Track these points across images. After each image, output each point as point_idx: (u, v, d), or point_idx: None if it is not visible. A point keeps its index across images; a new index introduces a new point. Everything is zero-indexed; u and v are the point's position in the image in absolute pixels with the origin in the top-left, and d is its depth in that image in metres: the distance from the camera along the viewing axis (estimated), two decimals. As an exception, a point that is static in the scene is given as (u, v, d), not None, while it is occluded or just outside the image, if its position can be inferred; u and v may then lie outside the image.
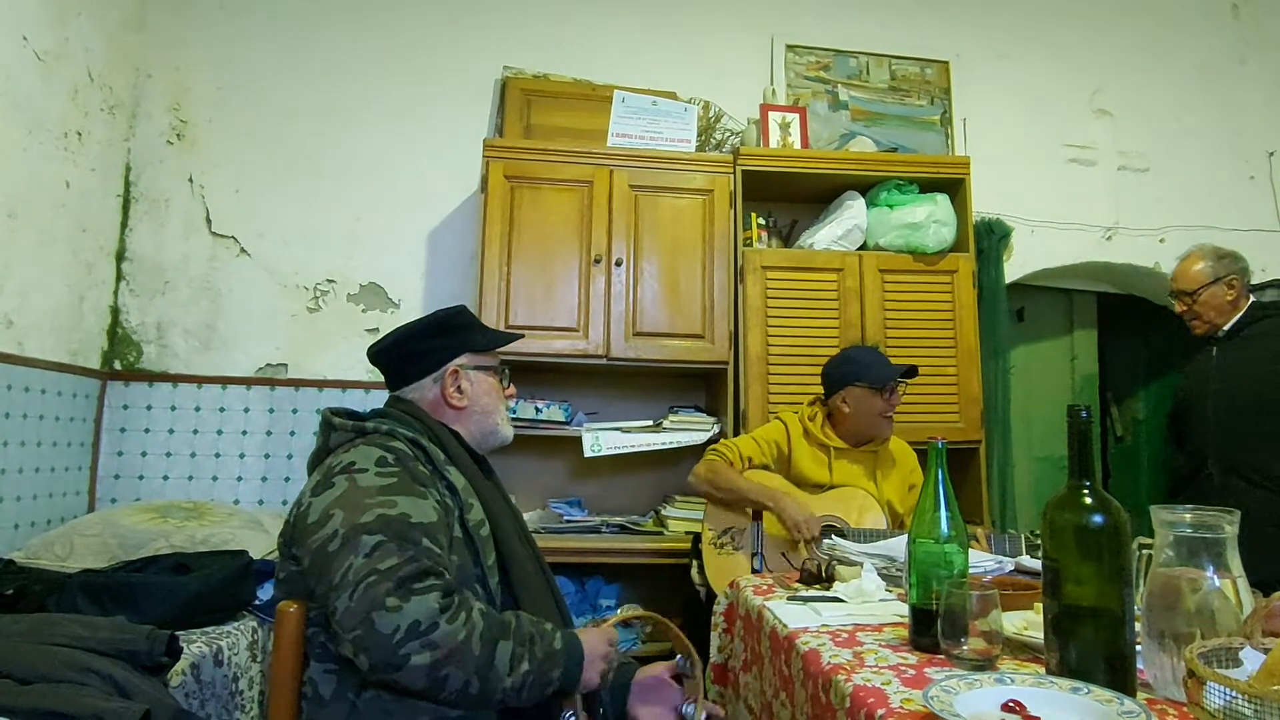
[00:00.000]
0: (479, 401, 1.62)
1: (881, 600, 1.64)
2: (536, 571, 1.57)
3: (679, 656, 1.55)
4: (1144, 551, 1.29)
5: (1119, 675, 1.05)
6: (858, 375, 2.53)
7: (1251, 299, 2.72)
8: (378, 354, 1.64)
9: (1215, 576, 1.07)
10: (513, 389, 1.73)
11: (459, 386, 1.60)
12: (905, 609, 1.40)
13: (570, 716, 1.38)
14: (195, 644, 1.91)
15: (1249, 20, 4.20)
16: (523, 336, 1.86)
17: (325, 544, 1.29)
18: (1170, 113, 4.06)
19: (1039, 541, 2.04)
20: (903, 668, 1.22)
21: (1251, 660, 0.96)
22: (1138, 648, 1.09)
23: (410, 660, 1.20)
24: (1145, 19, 4.12)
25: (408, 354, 1.61)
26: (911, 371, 2.55)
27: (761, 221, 3.36)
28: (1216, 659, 0.96)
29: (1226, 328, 2.71)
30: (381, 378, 1.68)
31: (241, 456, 3.30)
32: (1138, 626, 1.10)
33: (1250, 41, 4.19)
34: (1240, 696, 0.83)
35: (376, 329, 3.40)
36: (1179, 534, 1.10)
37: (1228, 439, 2.63)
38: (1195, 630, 1.03)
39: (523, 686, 1.29)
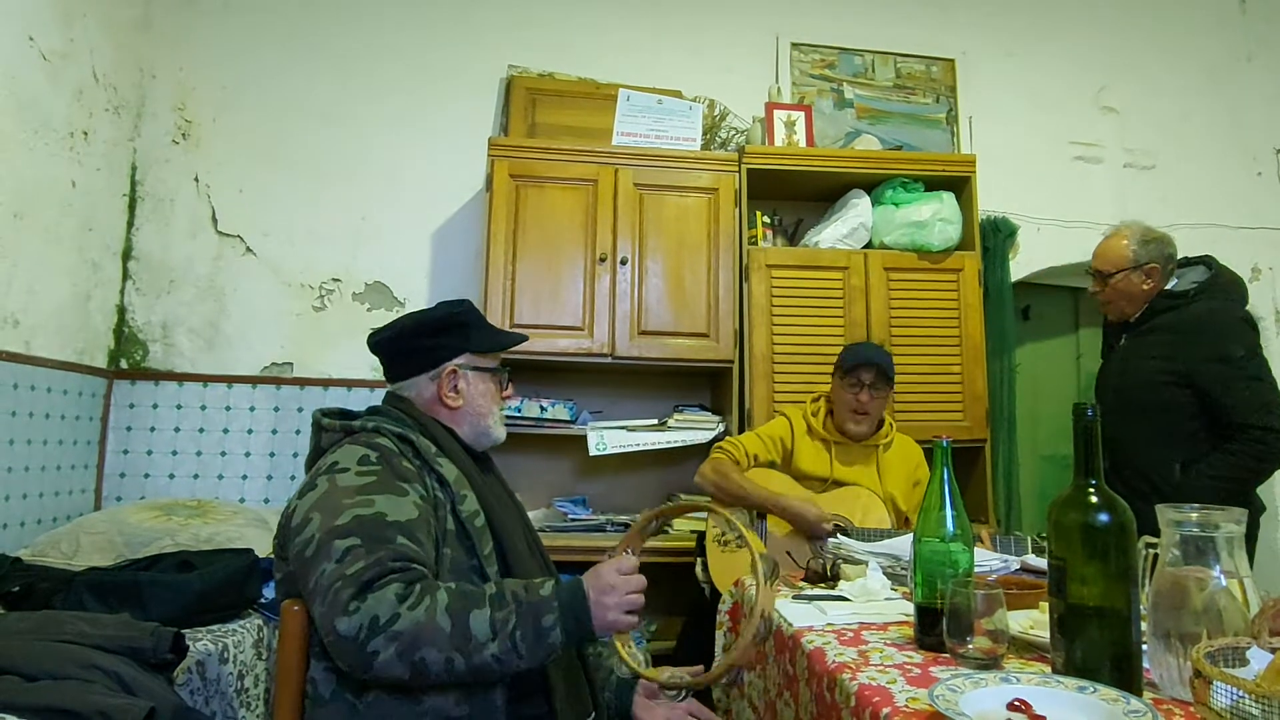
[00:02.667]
0: (474, 403, 1.61)
1: (886, 599, 1.64)
2: (537, 564, 1.56)
3: (756, 557, 1.32)
4: (1150, 550, 1.29)
5: (1125, 674, 1.04)
6: (836, 364, 2.61)
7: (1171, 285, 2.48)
8: (378, 344, 1.63)
9: (1222, 576, 1.06)
10: (510, 390, 1.70)
11: (455, 387, 1.60)
12: (910, 608, 1.40)
13: (642, 643, 1.31)
14: (201, 641, 1.92)
15: (1256, 17, 4.18)
16: (526, 339, 1.83)
17: (304, 549, 1.31)
18: (1177, 110, 4.04)
19: (1045, 544, 2.03)
20: (908, 666, 1.21)
21: (1258, 660, 0.95)
22: (1144, 647, 1.08)
23: (378, 656, 1.21)
24: (1152, 16, 4.10)
25: (408, 349, 1.61)
26: (868, 363, 2.48)
27: (767, 220, 3.36)
28: (1223, 658, 0.96)
29: (1135, 317, 2.50)
30: (382, 369, 1.67)
31: (247, 455, 3.31)
32: (1144, 625, 1.09)
33: (1258, 38, 4.17)
34: (1247, 696, 0.83)
35: (381, 328, 3.39)
36: (1185, 533, 1.09)
37: (1114, 433, 2.47)
38: (1202, 630, 1.02)
39: (515, 645, 1.26)
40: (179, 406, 3.29)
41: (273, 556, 2.39)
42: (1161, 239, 2.50)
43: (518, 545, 1.50)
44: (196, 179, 3.42)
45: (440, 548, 1.38)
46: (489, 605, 1.27)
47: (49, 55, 2.81)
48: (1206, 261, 2.55)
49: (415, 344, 1.60)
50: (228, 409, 3.32)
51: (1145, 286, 2.46)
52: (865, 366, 2.49)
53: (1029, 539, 2.15)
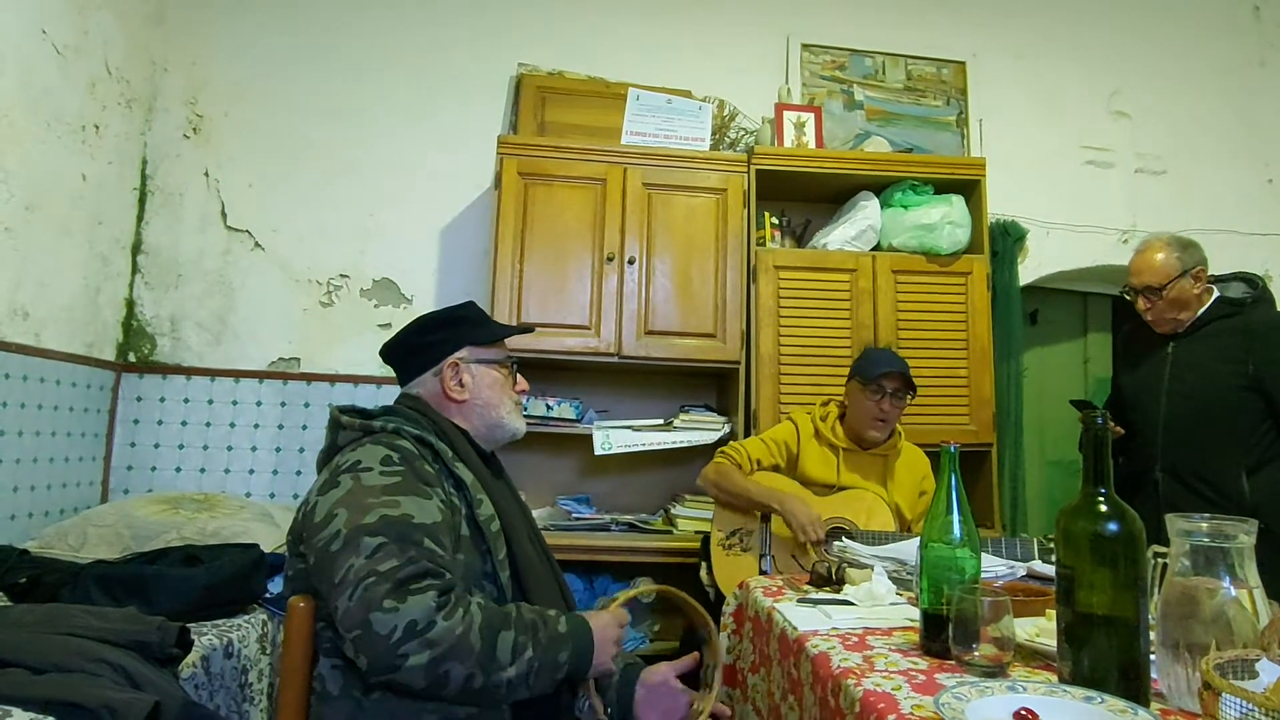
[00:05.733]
0: (480, 395, 1.61)
1: (892, 604, 1.63)
2: (546, 569, 1.57)
3: (696, 629, 1.55)
4: (1159, 560, 1.28)
5: (1133, 685, 1.04)
6: (855, 370, 2.57)
7: (1216, 293, 2.50)
8: (387, 350, 1.66)
9: (1231, 586, 1.06)
10: (524, 384, 1.71)
11: (460, 380, 1.60)
12: (916, 613, 1.39)
13: (585, 701, 1.37)
14: (206, 636, 1.92)
15: (1270, 22, 4.16)
16: (530, 330, 1.84)
17: (329, 544, 1.30)
18: (1189, 115, 4.03)
19: (1051, 546, 2.02)
20: (913, 673, 1.21)
21: (1268, 672, 0.95)
22: (1152, 657, 1.08)
23: (409, 660, 1.20)
24: (1164, 20, 4.09)
25: (411, 348, 1.62)
26: (895, 371, 2.46)
27: (775, 221, 3.35)
28: (1232, 670, 0.95)
29: (1188, 323, 2.48)
30: (394, 373, 1.68)
31: (253, 449, 3.32)
32: (1152, 635, 1.09)
33: (1271, 43, 4.15)
34: (1256, 709, 0.82)
35: (389, 324, 3.41)
36: (1195, 543, 1.08)
37: (1174, 440, 2.46)
38: (1211, 640, 1.02)
39: (529, 674, 1.28)
40: (186, 400, 3.30)
41: (279, 551, 2.41)
42: (1194, 242, 2.52)
43: (527, 550, 1.51)
44: (206, 174, 3.43)
45: (454, 554, 1.38)
46: (514, 629, 1.29)
47: (62, 48, 2.82)
48: (1245, 278, 2.56)
49: (417, 342, 1.62)
50: (234, 403, 3.33)
51: (1197, 290, 2.46)
52: (889, 376, 2.46)
53: (1035, 541, 2.14)
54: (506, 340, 1.71)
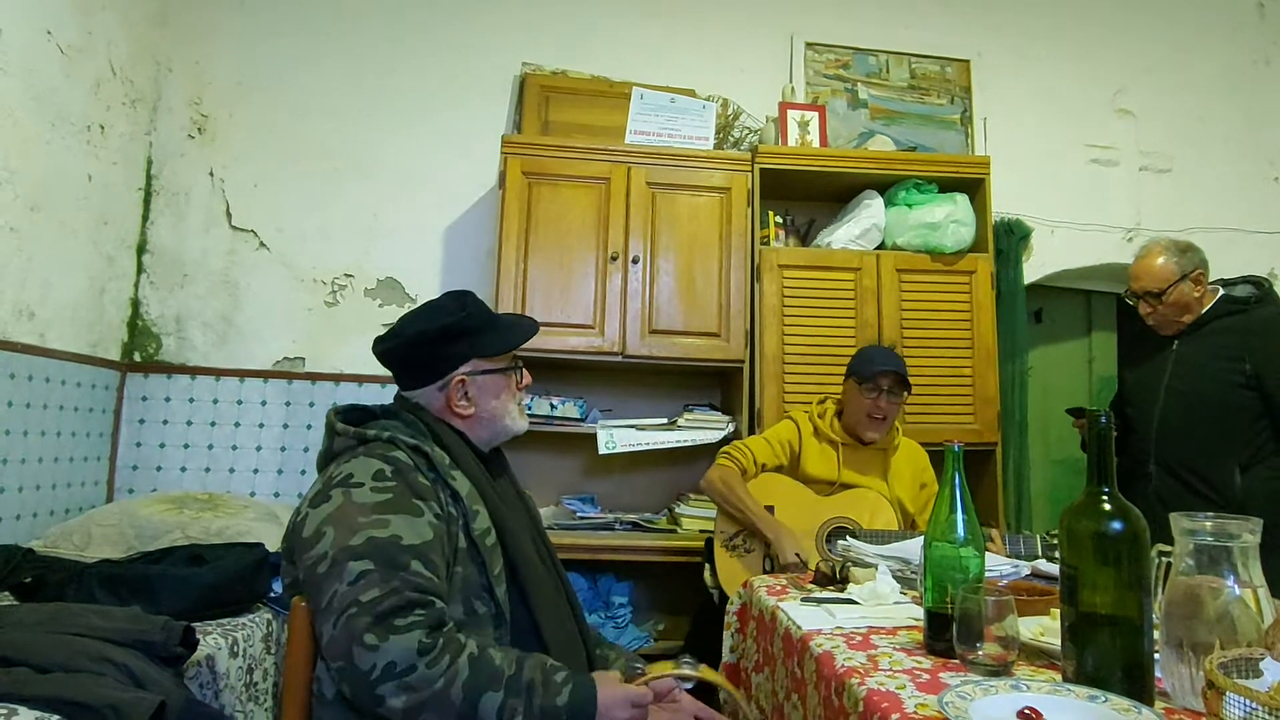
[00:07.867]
0: (486, 407, 1.57)
1: (896, 603, 1.63)
2: (549, 574, 1.54)
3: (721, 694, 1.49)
4: (1163, 559, 1.28)
5: (1137, 684, 1.04)
6: (851, 369, 2.57)
7: (1220, 292, 2.52)
8: (384, 355, 1.60)
9: (1236, 585, 1.05)
10: (528, 378, 1.66)
11: (465, 395, 1.55)
12: (920, 612, 1.39)
13: None
14: (210, 635, 1.93)
15: (1274, 20, 4.15)
16: (536, 328, 1.73)
17: (315, 564, 1.29)
18: (1193, 113, 4.02)
19: (1055, 542, 2.02)
20: (917, 672, 1.21)
21: (1272, 671, 0.94)
22: (1156, 656, 1.08)
23: (386, 701, 1.20)
24: (1168, 19, 4.07)
25: (413, 361, 1.57)
26: (890, 370, 2.47)
27: (779, 220, 3.35)
28: (1236, 669, 0.95)
29: (1191, 322, 2.50)
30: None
31: (258, 449, 3.32)
32: (1156, 635, 1.08)
33: (1275, 42, 4.13)
34: (1260, 708, 0.82)
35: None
36: (1199, 542, 1.08)
37: (1169, 435, 2.47)
38: (1215, 639, 1.01)
39: None
40: (191, 400, 3.31)
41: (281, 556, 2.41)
42: (1192, 245, 2.53)
43: (529, 556, 1.48)
44: (211, 173, 3.44)
45: (452, 567, 1.36)
46: (504, 690, 1.24)
47: (66, 49, 2.83)
48: (1254, 280, 2.57)
49: (419, 356, 1.56)
50: (239, 403, 3.33)
51: (1197, 293, 2.48)
52: (885, 374, 2.47)
53: (1038, 537, 2.15)
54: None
